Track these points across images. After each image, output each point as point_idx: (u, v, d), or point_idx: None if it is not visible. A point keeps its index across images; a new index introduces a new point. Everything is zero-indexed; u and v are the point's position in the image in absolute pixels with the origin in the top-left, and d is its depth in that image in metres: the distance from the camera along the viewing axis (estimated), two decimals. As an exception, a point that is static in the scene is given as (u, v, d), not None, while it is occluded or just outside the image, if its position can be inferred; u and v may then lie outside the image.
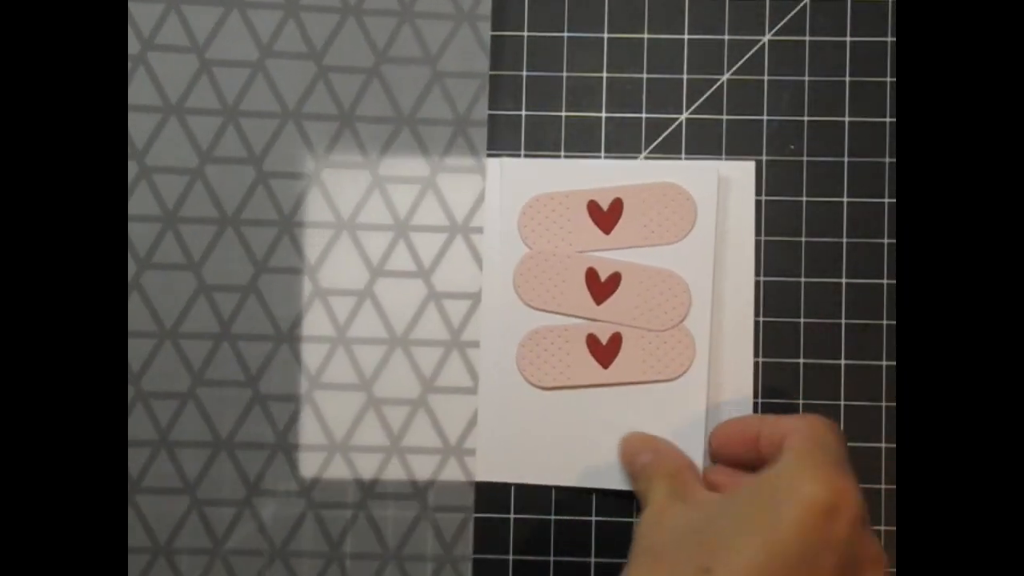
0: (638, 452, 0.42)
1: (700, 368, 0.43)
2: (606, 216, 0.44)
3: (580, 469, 0.43)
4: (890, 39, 0.45)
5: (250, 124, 0.44)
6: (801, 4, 0.45)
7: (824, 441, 0.37)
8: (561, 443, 0.43)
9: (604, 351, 0.43)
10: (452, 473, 0.44)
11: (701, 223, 0.44)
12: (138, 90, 0.44)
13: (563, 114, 0.45)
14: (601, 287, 0.44)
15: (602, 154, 0.45)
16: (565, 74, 0.45)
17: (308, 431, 0.43)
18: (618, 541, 0.44)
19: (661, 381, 0.43)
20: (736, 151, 0.45)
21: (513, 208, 0.44)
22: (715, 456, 0.43)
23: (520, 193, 0.44)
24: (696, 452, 0.43)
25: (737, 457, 0.41)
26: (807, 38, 0.45)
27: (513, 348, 0.44)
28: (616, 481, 0.43)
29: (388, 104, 0.44)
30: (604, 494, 0.44)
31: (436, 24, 0.44)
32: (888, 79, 0.45)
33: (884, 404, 0.44)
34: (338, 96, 0.44)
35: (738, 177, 0.44)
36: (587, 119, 0.45)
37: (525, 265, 0.44)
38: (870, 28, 0.45)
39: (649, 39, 0.45)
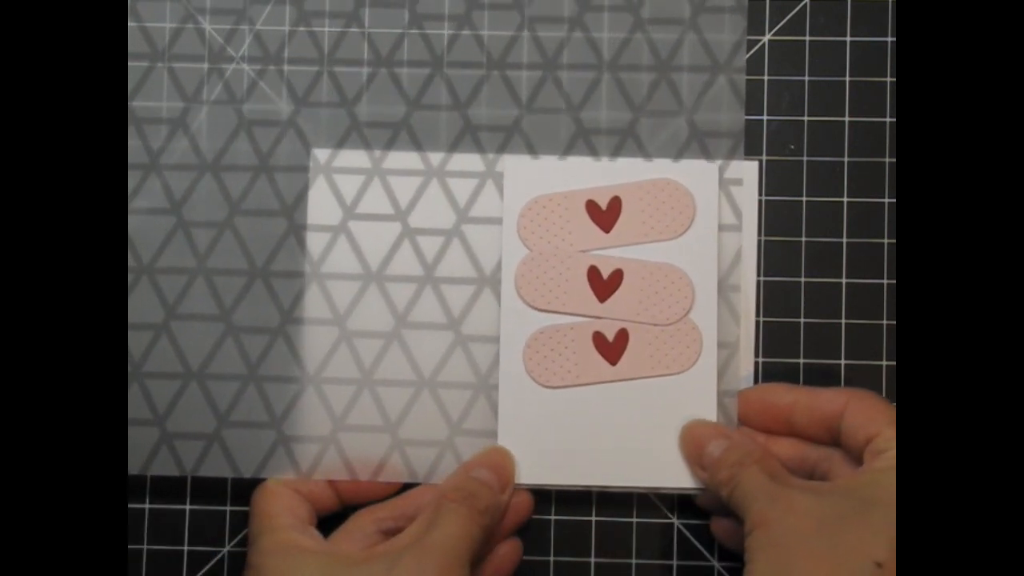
0: (707, 441, 0.41)
1: (708, 360, 0.43)
2: (605, 215, 0.44)
3: (592, 467, 0.43)
4: (890, 39, 0.45)
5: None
6: (801, 4, 0.45)
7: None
8: (572, 442, 0.43)
9: (611, 348, 0.43)
10: None
11: (701, 216, 0.44)
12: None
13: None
14: (604, 285, 0.44)
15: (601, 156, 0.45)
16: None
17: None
18: (618, 540, 0.44)
19: (670, 375, 0.43)
20: (736, 151, 0.45)
21: (512, 210, 0.44)
22: (742, 420, 0.43)
23: (519, 194, 0.44)
24: None
25: (765, 427, 0.42)
26: (807, 38, 0.45)
27: (519, 349, 0.43)
28: (630, 479, 0.43)
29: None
30: (604, 492, 0.44)
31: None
32: (888, 79, 0.45)
33: (884, 404, 0.44)
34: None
35: (739, 177, 0.44)
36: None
37: (526, 266, 0.44)
38: (870, 28, 0.45)
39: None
